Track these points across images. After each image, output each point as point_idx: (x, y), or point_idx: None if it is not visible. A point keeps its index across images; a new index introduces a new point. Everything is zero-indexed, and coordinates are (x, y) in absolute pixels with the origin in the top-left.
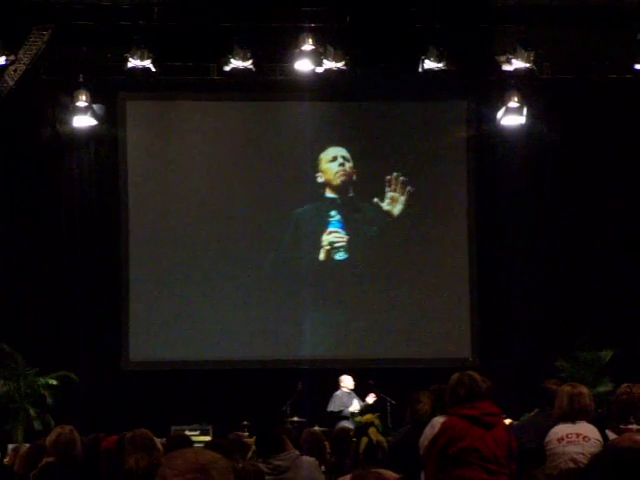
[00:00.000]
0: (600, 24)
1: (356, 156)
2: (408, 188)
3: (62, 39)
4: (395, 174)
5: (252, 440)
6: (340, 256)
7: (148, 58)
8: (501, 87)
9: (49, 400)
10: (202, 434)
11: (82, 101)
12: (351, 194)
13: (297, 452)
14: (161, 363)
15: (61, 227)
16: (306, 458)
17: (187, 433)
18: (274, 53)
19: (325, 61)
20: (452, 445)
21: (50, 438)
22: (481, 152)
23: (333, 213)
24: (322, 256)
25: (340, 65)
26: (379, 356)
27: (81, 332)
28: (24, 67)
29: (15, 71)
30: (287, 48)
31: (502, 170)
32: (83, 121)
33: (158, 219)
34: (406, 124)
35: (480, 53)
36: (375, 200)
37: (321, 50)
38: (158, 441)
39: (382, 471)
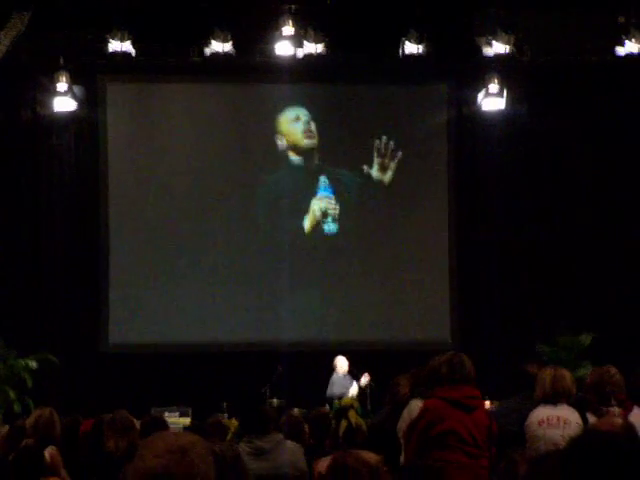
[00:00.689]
0: (581, 7)
1: (334, 139)
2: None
3: (42, 22)
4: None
5: (231, 422)
6: (330, 228)
7: (128, 40)
8: (481, 70)
9: (29, 382)
10: (181, 416)
11: (62, 83)
12: (317, 162)
13: (281, 435)
14: (140, 345)
15: (40, 210)
16: (290, 442)
17: (166, 415)
18: (254, 35)
19: (305, 43)
20: (432, 427)
21: (30, 420)
22: (461, 135)
23: (322, 178)
24: (307, 225)
25: (320, 48)
26: (358, 339)
27: (60, 314)
28: (4, 49)
29: None
30: (267, 30)
31: (482, 153)
32: (63, 104)
33: (138, 201)
34: (386, 107)
35: (460, 36)
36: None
37: (301, 33)
38: (137, 423)
39: (362, 453)
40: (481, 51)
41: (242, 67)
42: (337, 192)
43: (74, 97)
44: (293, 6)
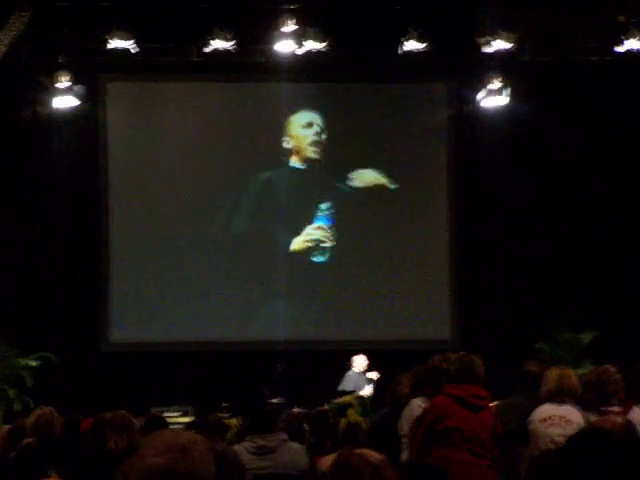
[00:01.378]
0: (581, 6)
1: (335, 137)
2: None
3: (42, 21)
4: None
5: (232, 421)
6: (318, 259)
7: (128, 39)
8: (482, 69)
9: (28, 381)
10: (182, 415)
11: (63, 82)
12: (317, 171)
13: (285, 435)
14: (141, 344)
15: (41, 208)
16: (293, 443)
17: (167, 414)
18: (255, 34)
19: (306, 42)
20: (438, 423)
21: (30, 419)
22: (462, 133)
23: (324, 206)
24: (296, 247)
25: (321, 46)
26: (358, 338)
27: (61, 313)
28: (4, 49)
29: None
30: (268, 29)
31: (483, 151)
32: (63, 102)
33: (139, 200)
34: (387, 105)
35: (461, 34)
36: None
37: (302, 31)
38: (137, 422)
39: (366, 452)
40: (481, 49)
41: (242, 65)
42: (336, 198)
43: (75, 96)
44: (294, 5)
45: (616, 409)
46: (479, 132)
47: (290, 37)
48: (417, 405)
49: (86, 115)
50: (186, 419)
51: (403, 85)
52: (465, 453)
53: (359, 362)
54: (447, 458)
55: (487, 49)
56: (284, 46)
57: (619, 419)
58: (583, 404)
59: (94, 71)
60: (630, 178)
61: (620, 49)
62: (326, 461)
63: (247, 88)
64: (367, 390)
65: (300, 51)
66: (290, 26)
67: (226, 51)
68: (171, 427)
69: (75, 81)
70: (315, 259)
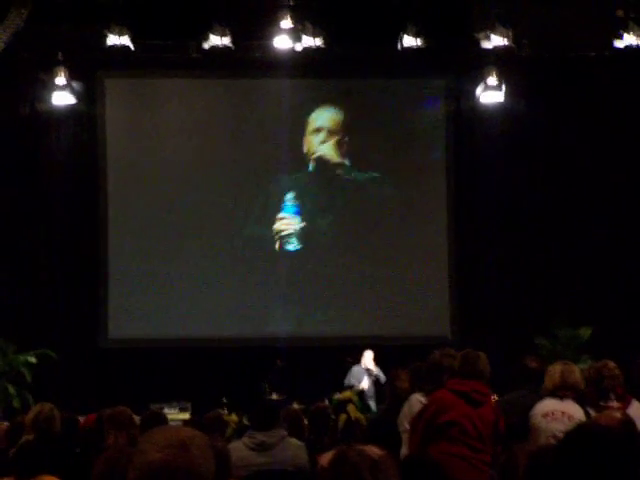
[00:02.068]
0: (579, 1)
1: (334, 132)
2: None
3: (41, 17)
4: None
5: (231, 417)
6: (291, 246)
7: (126, 35)
8: (480, 64)
9: (28, 378)
10: (181, 411)
11: (61, 78)
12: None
13: (285, 431)
14: (140, 341)
15: (39, 205)
16: (293, 439)
17: (165, 411)
18: (253, 30)
19: (304, 38)
20: (437, 418)
21: (30, 416)
22: (460, 129)
23: (289, 196)
24: (277, 246)
25: (319, 42)
26: (357, 334)
27: (60, 310)
28: (2, 45)
29: None
30: (266, 25)
31: (481, 147)
32: (62, 99)
33: (137, 196)
34: (385, 101)
35: (459, 30)
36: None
37: (300, 27)
38: (137, 418)
39: (365, 447)
40: (479, 45)
41: (241, 62)
42: (323, 194)
43: (73, 92)
44: (291, 0)
45: (615, 404)
46: (477, 127)
47: (288, 33)
48: (417, 400)
49: (84, 111)
50: (185, 415)
51: (401, 80)
52: (464, 448)
53: (365, 357)
54: (446, 453)
55: (485, 44)
56: (282, 42)
57: (618, 414)
58: (583, 399)
59: (92, 67)
60: (628, 174)
61: (619, 44)
62: (327, 456)
63: (245, 84)
64: (365, 383)
65: (298, 47)
66: (288, 22)
67: (225, 47)
68: (170, 423)
69: (73, 77)
70: (288, 247)
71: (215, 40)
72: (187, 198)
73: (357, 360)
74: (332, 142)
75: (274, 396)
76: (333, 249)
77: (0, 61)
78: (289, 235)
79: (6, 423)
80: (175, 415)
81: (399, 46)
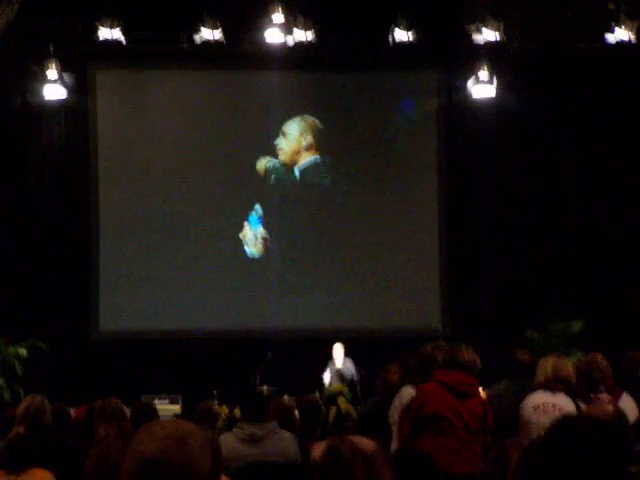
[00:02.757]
0: None
1: (324, 125)
2: None
3: (32, 9)
4: None
5: (222, 409)
6: (251, 253)
7: (117, 27)
8: (471, 57)
9: (19, 370)
10: (171, 403)
11: (52, 71)
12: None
13: (276, 423)
14: (131, 332)
15: (30, 197)
16: (283, 432)
17: (156, 402)
18: (244, 23)
19: (295, 31)
20: (424, 410)
21: (20, 408)
22: (451, 122)
23: (257, 206)
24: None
25: (310, 35)
26: (347, 326)
27: (50, 301)
28: None
29: None
30: (257, 18)
31: (472, 140)
32: (53, 91)
33: (128, 189)
34: (376, 94)
35: (450, 23)
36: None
37: (291, 20)
38: (128, 410)
39: (357, 439)
40: (471, 38)
41: (232, 54)
42: (303, 194)
43: (64, 85)
44: None
45: (605, 396)
46: (469, 121)
47: (279, 26)
48: (407, 393)
49: (76, 104)
50: (175, 407)
51: (392, 74)
52: (453, 440)
53: (334, 351)
54: (434, 445)
55: (476, 38)
56: (273, 35)
57: (610, 407)
58: (574, 393)
59: (84, 59)
60: (621, 168)
61: (611, 38)
62: (319, 447)
63: (237, 77)
64: (326, 377)
65: (289, 40)
66: (279, 15)
67: (216, 40)
68: (161, 415)
69: (65, 70)
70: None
71: (206, 33)
72: (178, 190)
73: (346, 353)
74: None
75: (265, 388)
76: (323, 242)
77: None
78: (246, 243)
79: None
80: (166, 407)
81: (390, 39)
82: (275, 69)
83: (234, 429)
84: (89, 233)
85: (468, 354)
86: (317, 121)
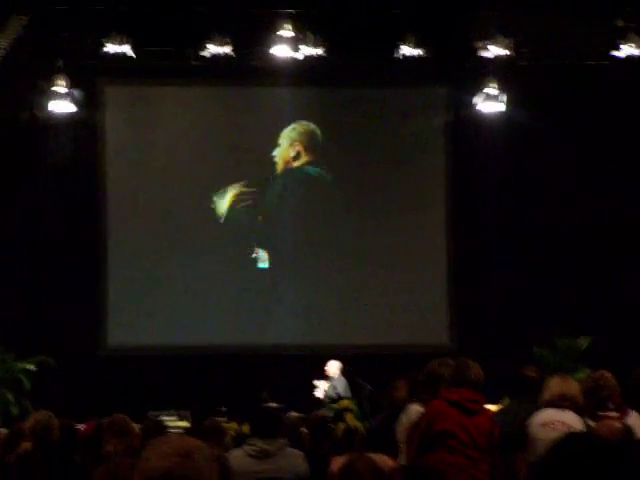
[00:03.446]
0: (579, 10)
1: (332, 141)
2: None
3: (41, 24)
4: None
5: (231, 425)
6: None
7: (126, 43)
8: (480, 73)
9: (27, 385)
10: (179, 419)
11: (61, 86)
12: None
13: (286, 440)
14: (139, 348)
15: (39, 212)
16: (294, 450)
17: (164, 418)
18: (253, 39)
19: (304, 47)
20: (432, 427)
21: (28, 423)
22: (459, 138)
23: (262, 252)
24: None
25: (319, 51)
26: (356, 342)
27: (59, 317)
28: (2, 52)
29: None
30: (266, 34)
31: (481, 155)
32: (62, 106)
33: (136, 204)
34: (384, 110)
35: (458, 39)
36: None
37: (300, 36)
38: (136, 427)
39: (376, 457)
40: (479, 54)
41: (240, 70)
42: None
43: (73, 100)
44: (292, 10)
45: (613, 414)
46: (477, 137)
47: (288, 42)
48: (414, 410)
49: (84, 119)
50: (183, 423)
51: (401, 90)
52: (460, 457)
53: (331, 367)
54: (443, 462)
55: (485, 54)
56: (282, 51)
57: (618, 424)
58: (581, 412)
59: (92, 75)
60: (628, 182)
61: (618, 54)
62: (339, 462)
63: (245, 92)
64: (320, 392)
65: (298, 56)
66: (288, 31)
67: (224, 55)
68: (169, 432)
69: (73, 85)
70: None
71: (214, 48)
72: (188, 204)
73: (355, 369)
74: (306, 159)
75: (273, 404)
76: (330, 259)
77: (0, 67)
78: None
79: (4, 430)
80: (173, 423)
81: (399, 55)
82: (283, 84)
83: (244, 445)
84: (98, 248)
85: (475, 371)
86: (312, 125)
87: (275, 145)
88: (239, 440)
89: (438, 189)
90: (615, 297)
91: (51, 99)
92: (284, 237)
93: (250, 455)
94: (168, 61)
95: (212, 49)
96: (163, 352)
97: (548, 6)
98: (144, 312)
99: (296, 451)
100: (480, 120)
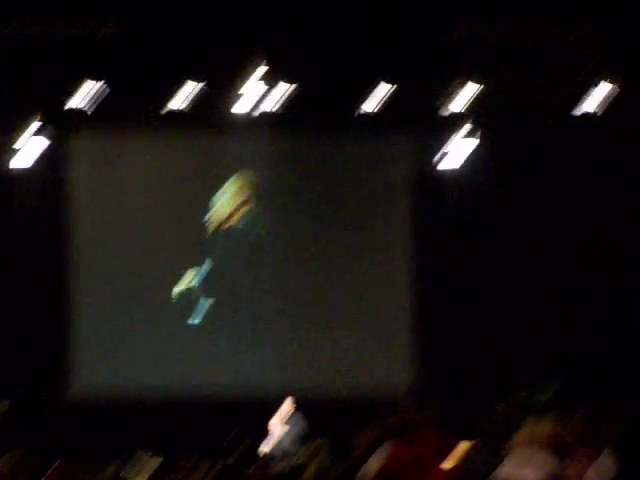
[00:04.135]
0: (544, 65)
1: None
2: None
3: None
4: None
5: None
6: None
7: (90, 96)
8: (446, 123)
9: None
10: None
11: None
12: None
13: None
14: (107, 392)
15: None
16: None
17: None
18: (218, 90)
19: (274, 91)
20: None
21: None
22: (422, 191)
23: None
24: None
25: (291, 88)
26: (315, 385)
27: (20, 360)
28: None
29: None
30: (233, 83)
31: (446, 205)
32: (22, 159)
33: (101, 246)
34: (347, 160)
35: (425, 87)
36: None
37: (268, 85)
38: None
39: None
40: (446, 104)
41: (199, 123)
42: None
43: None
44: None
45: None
46: (441, 189)
47: (261, 79)
48: (377, 461)
49: (48, 170)
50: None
51: (364, 140)
52: None
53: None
54: None
55: (451, 106)
56: (246, 102)
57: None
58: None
59: (55, 126)
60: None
61: (578, 110)
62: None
63: (205, 143)
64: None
65: (261, 108)
66: (260, 69)
67: (184, 110)
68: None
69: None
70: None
71: (176, 102)
72: (152, 248)
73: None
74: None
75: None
76: (287, 302)
77: None
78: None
79: None
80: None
81: (365, 103)
82: (246, 138)
83: None
84: (62, 293)
85: (429, 417)
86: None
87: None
88: None
89: (402, 237)
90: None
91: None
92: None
93: None
94: (133, 113)
95: (173, 102)
96: (130, 397)
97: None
98: (110, 355)
99: None
100: (445, 172)
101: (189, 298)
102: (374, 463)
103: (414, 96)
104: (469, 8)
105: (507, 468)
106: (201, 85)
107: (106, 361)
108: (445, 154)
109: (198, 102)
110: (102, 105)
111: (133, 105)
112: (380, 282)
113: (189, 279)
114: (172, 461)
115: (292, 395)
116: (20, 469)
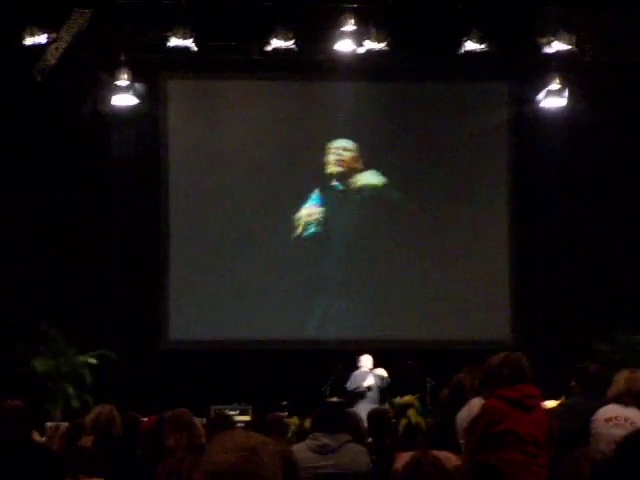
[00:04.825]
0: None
1: (391, 136)
2: None
3: (103, 18)
4: None
5: (292, 420)
6: (311, 231)
7: (190, 37)
8: (542, 69)
9: (88, 379)
10: (241, 414)
11: (123, 80)
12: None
13: (348, 436)
14: (200, 342)
15: (101, 206)
16: (356, 445)
17: (226, 413)
18: (316, 33)
19: (367, 42)
20: (491, 427)
21: (90, 417)
22: (522, 134)
23: (314, 195)
24: (298, 231)
25: (381, 46)
26: (417, 337)
27: (120, 310)
28: (65, 45)
29: (56, 49)
30: (329, 29)
31: (543, 152)
32: (124, 100)
33: (199, 198)
34: (445, 106)
35: (521, 35)
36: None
37: (363, 31)
38: (198, 421)
39: (441, 455)
40: (542, 50)
41: (303, 63)
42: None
43: (135, 93)
44: (355, 4)
45: None
46: (539, 132)
47: (351, 37)
48: (477, 404)
49: (146, 113)
50: (246, 417)
51: (463, 85)
52: (519, 454)
53: (364, 361)
54: (501, 459)
55: (548, 50)
56: (345, 45)
57: None
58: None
59: (154, 69)
60: None
61: None
62: (404, 458)
63: (307, 86)
64: (370, 381)
65: (360, 50)
66: (350, 26)
67: (287, 49)
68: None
69: (136, 79)
70: (309, 232)
71: (278, 42)
72: (248, 201)
73: (416, 364)
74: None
75: (334, 399)
76: (388, 252)
77: (63, 61)
78: (314, 221)
79: (65, 424)
80: (235, 417)
81: (461, 50)
82: (345, 79)
83: (307, 440)
84: (160, 242)
85: (526, 365)
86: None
87: (337, 138)
88: (300, 435)
89: (500, 185)
90: None
91: (113, 93)
92: (343, 234)
93: (312, 450)
94: (231, 55)
95: (275, 43)
96: (225, 346)
97: (612, 2)
98: (206, 306)
99: (358, 446)
100: (543, 116)
101: (292, 248)
102: (464, 414)
103: (514, 41)
104: None
105: (601, 418)
106: (297, 30)
107: (204, 313)
108: (547, 97)
109: (298, 48)
110: (203, 48)
111: (227, 52)
112: (479, 232)
113: (298, 229)
114: (263, 413)
115: (386, 347)
116: (108, 423)
